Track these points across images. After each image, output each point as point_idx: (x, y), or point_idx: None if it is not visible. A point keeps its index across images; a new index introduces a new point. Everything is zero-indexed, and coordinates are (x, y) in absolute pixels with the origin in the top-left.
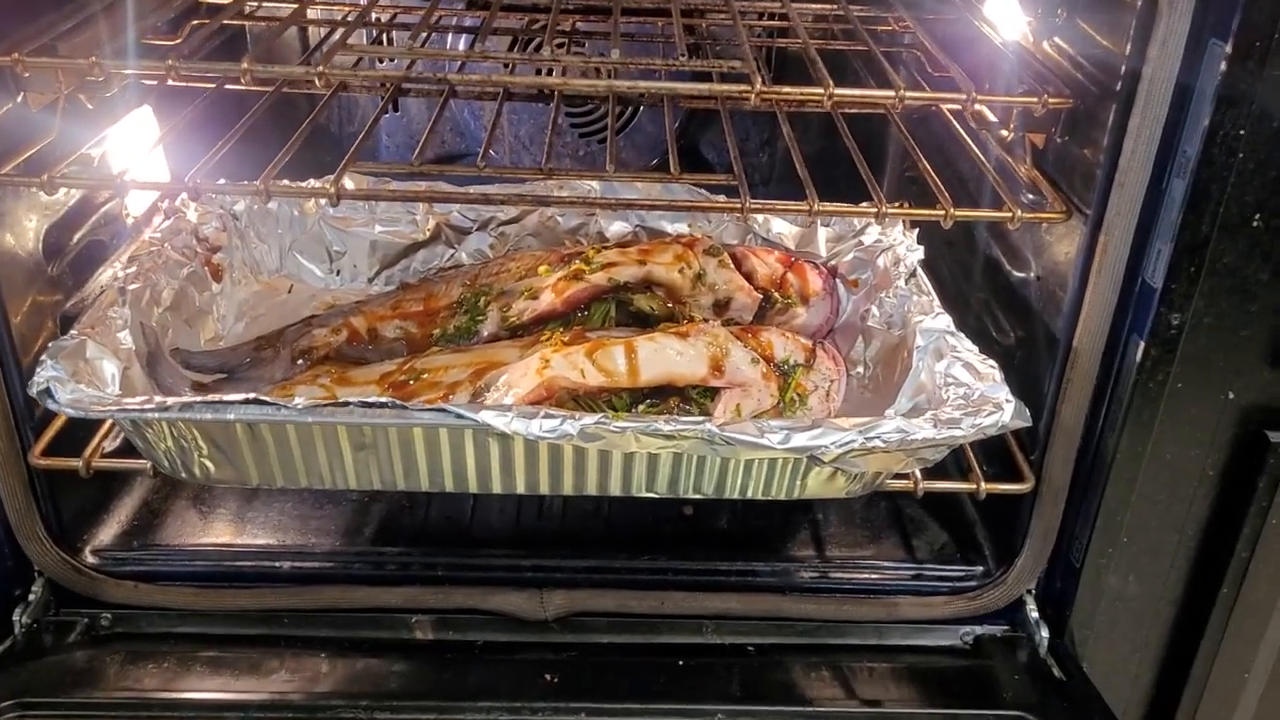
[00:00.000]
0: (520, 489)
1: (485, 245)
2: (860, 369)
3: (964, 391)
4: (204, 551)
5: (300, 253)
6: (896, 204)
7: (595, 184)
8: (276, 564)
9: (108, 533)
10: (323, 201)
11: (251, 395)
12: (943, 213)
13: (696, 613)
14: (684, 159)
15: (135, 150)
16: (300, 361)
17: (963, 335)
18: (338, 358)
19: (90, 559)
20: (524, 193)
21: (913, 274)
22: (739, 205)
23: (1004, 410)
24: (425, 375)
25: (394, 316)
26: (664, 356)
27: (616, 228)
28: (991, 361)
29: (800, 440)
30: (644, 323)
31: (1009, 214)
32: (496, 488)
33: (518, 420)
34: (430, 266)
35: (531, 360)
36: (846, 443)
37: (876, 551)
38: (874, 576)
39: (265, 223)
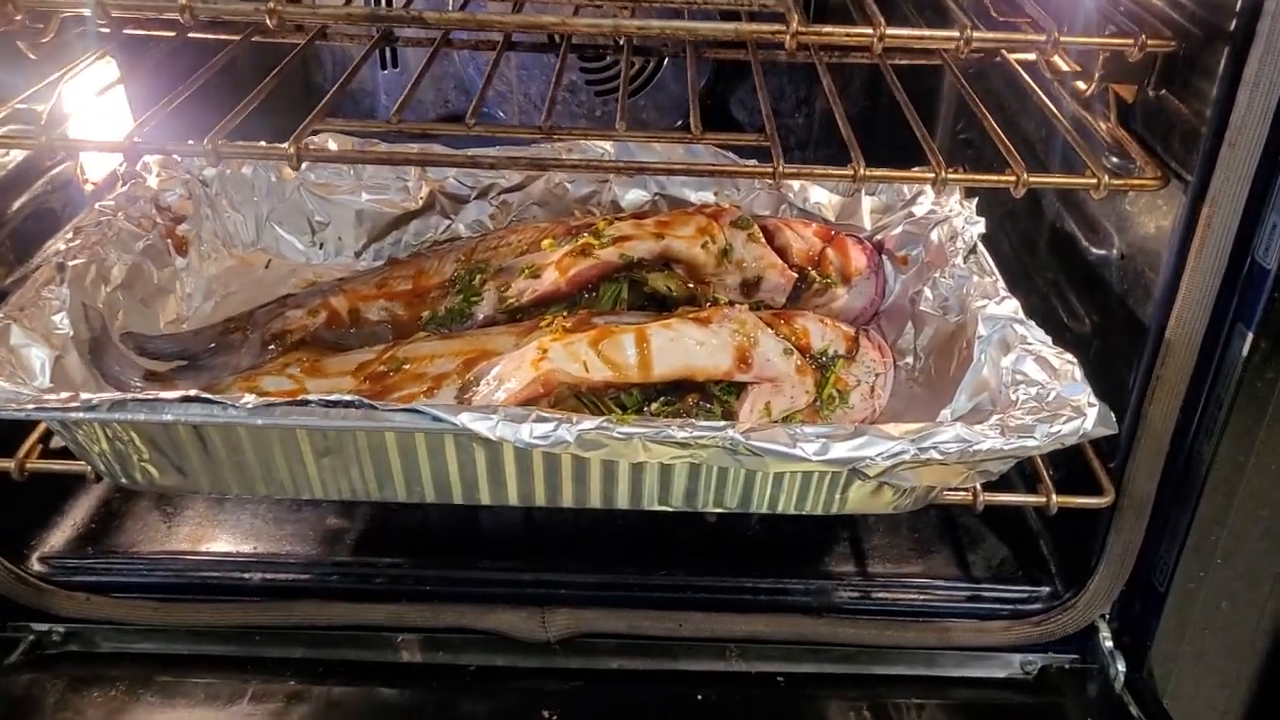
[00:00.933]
0: (512, 500)
1: (485, 215)
2: (910, 359)
3: (1036, 391)
4: (165, 560)
5: (279, 223)
6: (952, 167)
7: (608, 145)
8: (245, 575)
9: (59, 537)
10: (303, 166)
11: (193, 392)
12: (1013, 179)
13: (719, 636)
14: (711, 119)
15: (94, 107)
16: (272, 346)
17: (1033, 323)
18: (315, 343)
19: (37, 567)
20: (521, 155)
21: (972, 250)
22: (770, 170)
23: (1086, 416)
24: (408, 366)
25: (379, 296)
26: (681, 346)
27: (633, 196)
28: (1069, 356)
29: (840, 451)
30: (661, 306)
31: (1093, 180)
32: (485, 499)
33: (504, 424)
34: (423, 239)
35: (527, 350)
36: (896, 454)
37: (926, 567)
38: (923, 597)
39: (239, 189)
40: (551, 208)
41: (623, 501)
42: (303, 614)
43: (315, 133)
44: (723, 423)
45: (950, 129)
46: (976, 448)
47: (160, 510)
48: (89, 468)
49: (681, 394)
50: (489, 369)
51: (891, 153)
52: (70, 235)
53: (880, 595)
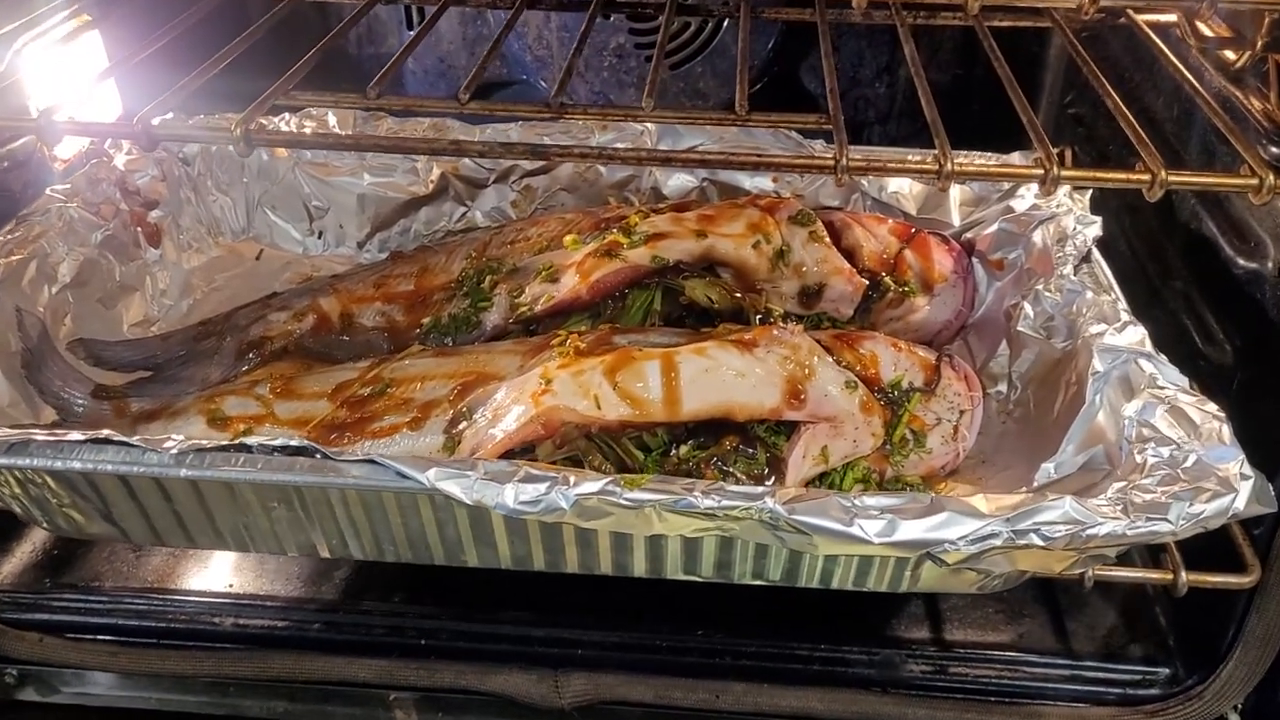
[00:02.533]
0: (505, 564)
1: (506, 202)
2: (1002, 387)
3: (1170, 453)
4: (127, 598)
5: (271, 208)
6: (1059, 149)
7: (651, 126)
8: (215, 620)
9: (10, 568)
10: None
11: (104, 433)
12: (1147, 178)
13: (764, 712)
14: (778, 90)
15: (74, 81)
16: (250, 356)
17: (1164, 359)
18: (298, 352)
19: None
20: (521, 142)
21: (1085, 258)
22: (831, 161)
23: (1237, 491)
24: (394, 389)
25: (376, 298)
26: (718, 378)
27: (677, 182)
28: (1213, 407)
29: (912, 531)
30: (701, 319)
31: (1251, 181)
32: (471, 560)
33: (483, 485)
34: (435, 229)
35: (529, 380)
36: (984, 539)
37: (1015, 636)
38: (1011, 673)
39: (226, 169)
40: (582, 194)
41: (639, 570)
42: (281, 667)
43: (298, 109)
44: (760, 489)
45: (1056, 102)
46: (1091, 532)
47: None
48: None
49: (717, 435)
50: (486, 398)
51: (987, 131)
52: (12, 226)
53: (958, 670)
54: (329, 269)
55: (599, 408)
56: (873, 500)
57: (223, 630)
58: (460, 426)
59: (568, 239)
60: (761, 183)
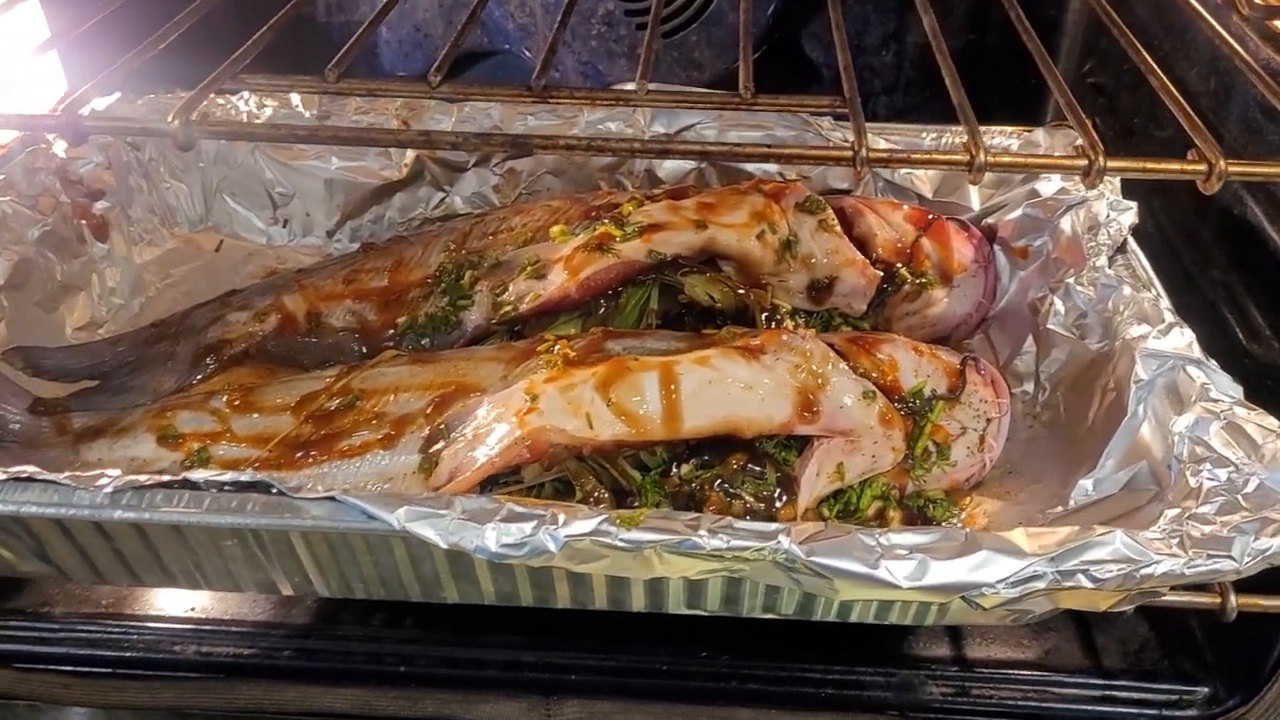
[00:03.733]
0: (489, 600)
1: (488, 187)
2: (1028, 387)
3: (1227, 476)
4: (80, 624)
5: (231, 195)
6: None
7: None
8: (177, 647)
9: None
10: (256, 120)
11: (26, 470)
12: (1203, 168)
13: None
14: (778, 59)
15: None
16: (208, 361)
17: (1215, 366)
18: (260, 357)
19: None
20: (497, 132)
21: (1121, 248)
22: (849, 152)
23: None
24: (364, 402)
25: (346, 295)
26: (722, 391)
27: (673, 164)
28: (1276, 424)
29: (946, 574)
30: (702, 319)
31: None
32: (451, 597)
33: (459, 525)
34: (411, 216)
35: (513, 395)
36: (1026, 581)
37: (1042, 653)
38: (1038, 693)
39: (181, 154)
40: (570, 178)
41: (637, 605)
42: (249, 697)
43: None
44: (773, 526)
45: (1073, 70)
46: (1146, 572)
47: None
48: None
49: (722, 453)
50: (466, 415)
51: (1002, 101)
52: None
53: (981, 691)
54: (295, 261)
55: (591, 427)
56: (901, 538)
57: (185, 659)
58: (438, 446)
59: (555, 230)
60: (766, 165)
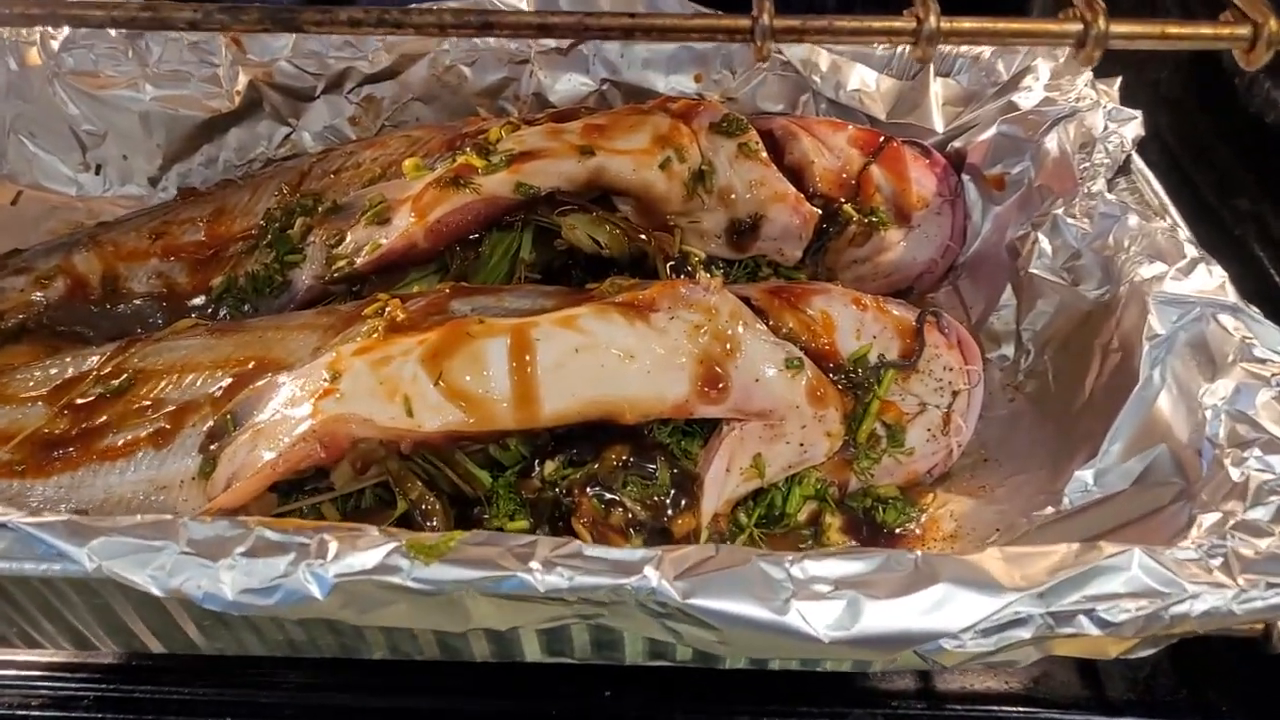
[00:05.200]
0: (277, 649)
1: (342, 119)
2: (1007, 350)
3: None
4: None
5: (30, 136)
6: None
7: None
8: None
9: None
10: (53, 42)
11: None
12: (1246, 31)
13: None
14: None
15: None
16: None
17: (1258, 314)
18: (43, 331)
19: None
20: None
21: (1123, 168)
22: (746, 23)
23: None
24: (139, 387)
25: (152, 253)
26: (593, 362)
27: (567, 86)
28: None
29: (885, 620)
30: (594, 270)
31: None
32: (229, 648)
33: (181, 560)
34: (250, 158)
35: (312, 373)
36: (1004, 628)
37: (1029, 683)
38: None
39: None
40: (442, 105)
41: (478, 654)
42: None
43: None
44: (638, 554)
45: None
46: (1179, 610)
47: None
48: None
49: (599, 445)
50: (257, 400)
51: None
52: None
53: None
54: (112, 216)
55: (411, 414)
56: (822, 566)
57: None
58: (220, 444)
59: (408, 163)
60: (681, 82)
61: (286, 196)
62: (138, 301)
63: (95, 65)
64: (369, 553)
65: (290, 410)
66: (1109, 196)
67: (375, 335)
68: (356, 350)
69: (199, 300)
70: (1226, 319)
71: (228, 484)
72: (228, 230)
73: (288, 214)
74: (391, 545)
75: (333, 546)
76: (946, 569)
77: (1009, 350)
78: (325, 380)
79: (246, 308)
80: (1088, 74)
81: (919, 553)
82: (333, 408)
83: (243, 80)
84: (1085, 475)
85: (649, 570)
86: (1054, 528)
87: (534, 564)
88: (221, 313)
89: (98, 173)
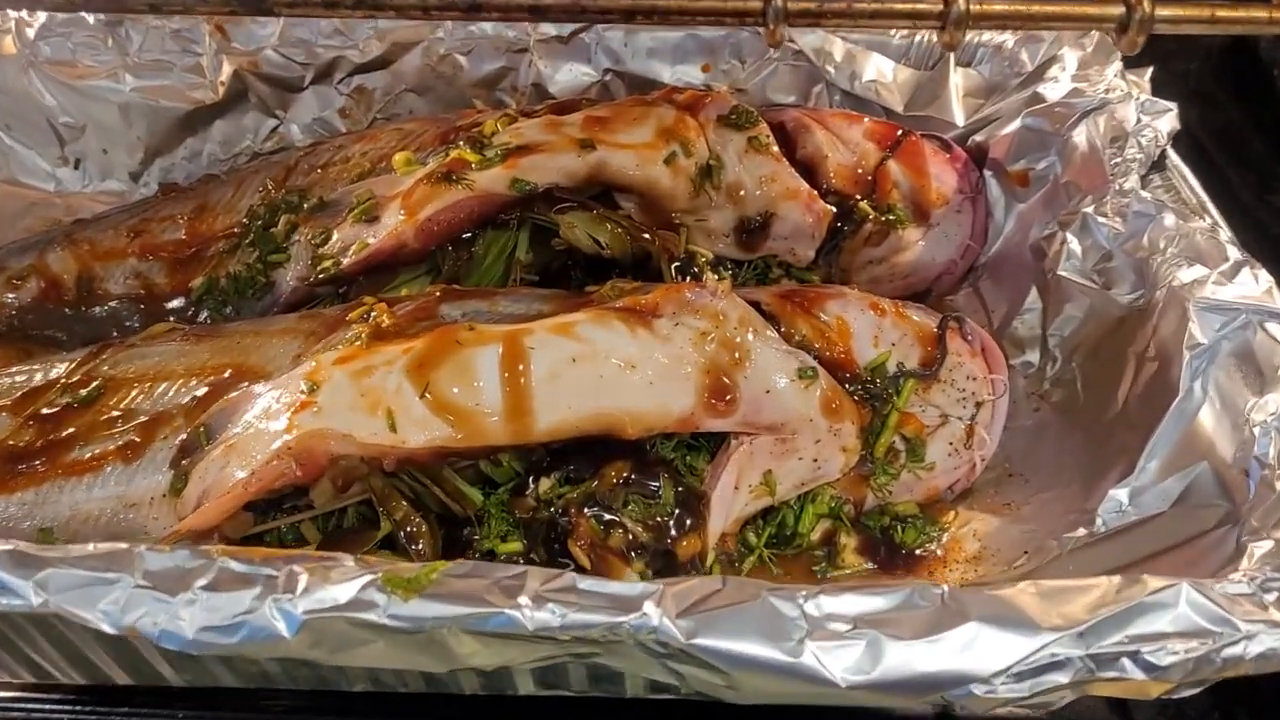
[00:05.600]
0: (231, 680)
1: (332, 111)
2: (1032, 356)
3: None
4: None
5: (6, 128)
6: None
7: None
8: None
9: None
10: (29, 30)
11: None
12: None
13: None
14: None
15: None
16: None
17: None
18: (15, 335)
19: None
20: None
21: (1158, 163)
22: (758, 3)
23: None
24: (109, 397)
25: (131, 252)
26: (592, 373)
27: (567, 76)
28: None
29: (911, 663)
30: (594, 273)
31: None
32: (204, 680)
33: (135, 595)
34: (236, 152)
35: (291, 383)
36: (1039, 672)
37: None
38: None
39: None
40: (437, 96)
41: (467, 686)
42: None
43: None
44: (638, 589)
45: None
46: (1233, 653)
47: None
48: None
49: (598, 461)
50: (232, 412)
51: None
52: None
53: None
54: (91, 213)
55: (395, 429)
56: (839, 603)
57: None
58: (194, 459)
59: (399, 158)
60: (688, 73)
61: (271, 193)
62: (114, 303)
63: (73, 54)
64: (342, 586)
65: (265, 424)
66: (1143, 194)
67: (358, 343)
68: (337, 359)
69: (178, 302)
70: (1275, 327)
71: (199, 503)
72: (209, 228)
73: (272, 211)
74: (367, 578)
75: (302, 579)
76: (976, 606)
77: (1034, 356)
78: (303, 392)
79: (228, 310)
80: (1118, 63)
81: (945, 587)
82: (309, 422)
83: (227, 70)
84: (1120, 494)
85: (649, 606)
86: (1087, 552)
87: (523, 599)
88: (203, 315)
89: (77, 167)
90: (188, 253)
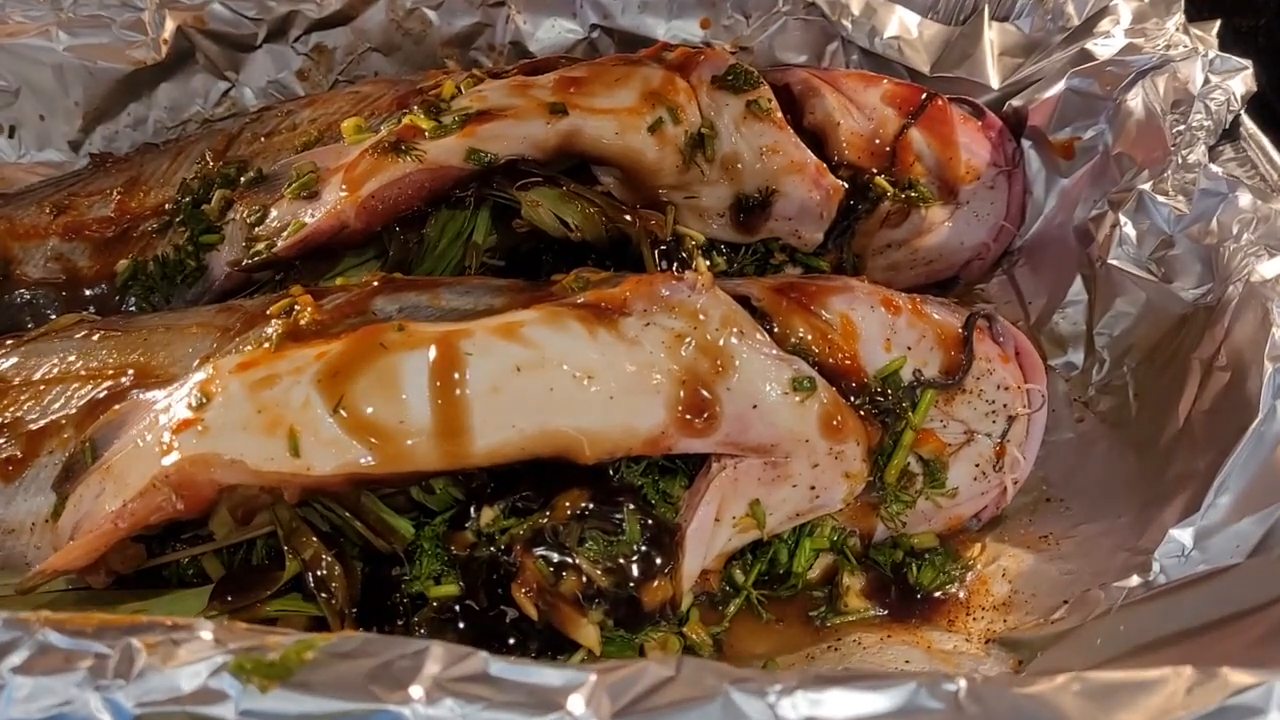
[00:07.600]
0: None
1: (289, 72)
2: (1074, 357)
3: None
4: None
5: None
6: None
7: None
8: None
9: None
10: None
11: None
12: None
13: None
14: None
15: None
16: None
17: None
18: None
19: None
20: None
21: (1230, 131)
22: None
23: None
24: None
25: (53, 231)
26: (539, 384)
27: (550, 34)
28: None
29: None
30: (568, 258)
31: None
32: None
33: None
34: (184, 119)
35: (184, 391)
36: None
37: None
38: None
39: None
40: (404, 55)
41: None
42: None
43: None
44: (564, 674)
45: None
46: None
47: None
48: None
49: (550, 487)
50: (120, 425)
51: None
52: None
53: None
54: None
55: (298, 454)
56: (820, 697)
57: None
58: (76, 483)
59: (347, 124)
60: (686, 28)
61: (209, 164)
62: (32, 290)
63: (1, 9)
64: (187, 670)
65: (145, 444)
66: (1212, 168)
67: (267, 345)
68: (236, 366)
69: (103, 289)
70: None
71: (73, 535)
72: (140, 205)
73: (206, 185)
74: (220, 659)
75: (140, 659)
76: (1002, 711)
77: (1077, 358)
78: (190, 406)
79: (155, 298)
80: (1179, 15)
81: (962, 682)
82: (192, 446)
83: (170, 27)
84: (1182, 535)
85: (574, 703)
86: (1143, 610)
87: (415, 689)
88: (129, 305)
89: (11, 136)
90: (115, 232)
